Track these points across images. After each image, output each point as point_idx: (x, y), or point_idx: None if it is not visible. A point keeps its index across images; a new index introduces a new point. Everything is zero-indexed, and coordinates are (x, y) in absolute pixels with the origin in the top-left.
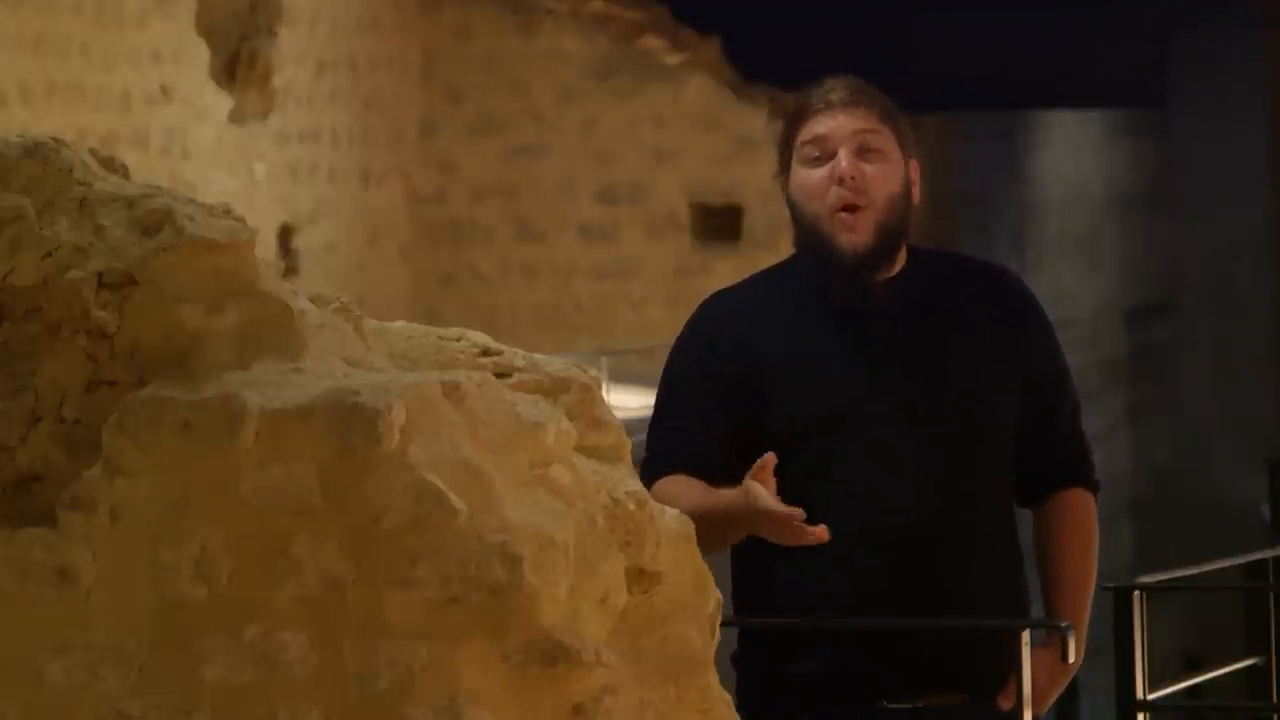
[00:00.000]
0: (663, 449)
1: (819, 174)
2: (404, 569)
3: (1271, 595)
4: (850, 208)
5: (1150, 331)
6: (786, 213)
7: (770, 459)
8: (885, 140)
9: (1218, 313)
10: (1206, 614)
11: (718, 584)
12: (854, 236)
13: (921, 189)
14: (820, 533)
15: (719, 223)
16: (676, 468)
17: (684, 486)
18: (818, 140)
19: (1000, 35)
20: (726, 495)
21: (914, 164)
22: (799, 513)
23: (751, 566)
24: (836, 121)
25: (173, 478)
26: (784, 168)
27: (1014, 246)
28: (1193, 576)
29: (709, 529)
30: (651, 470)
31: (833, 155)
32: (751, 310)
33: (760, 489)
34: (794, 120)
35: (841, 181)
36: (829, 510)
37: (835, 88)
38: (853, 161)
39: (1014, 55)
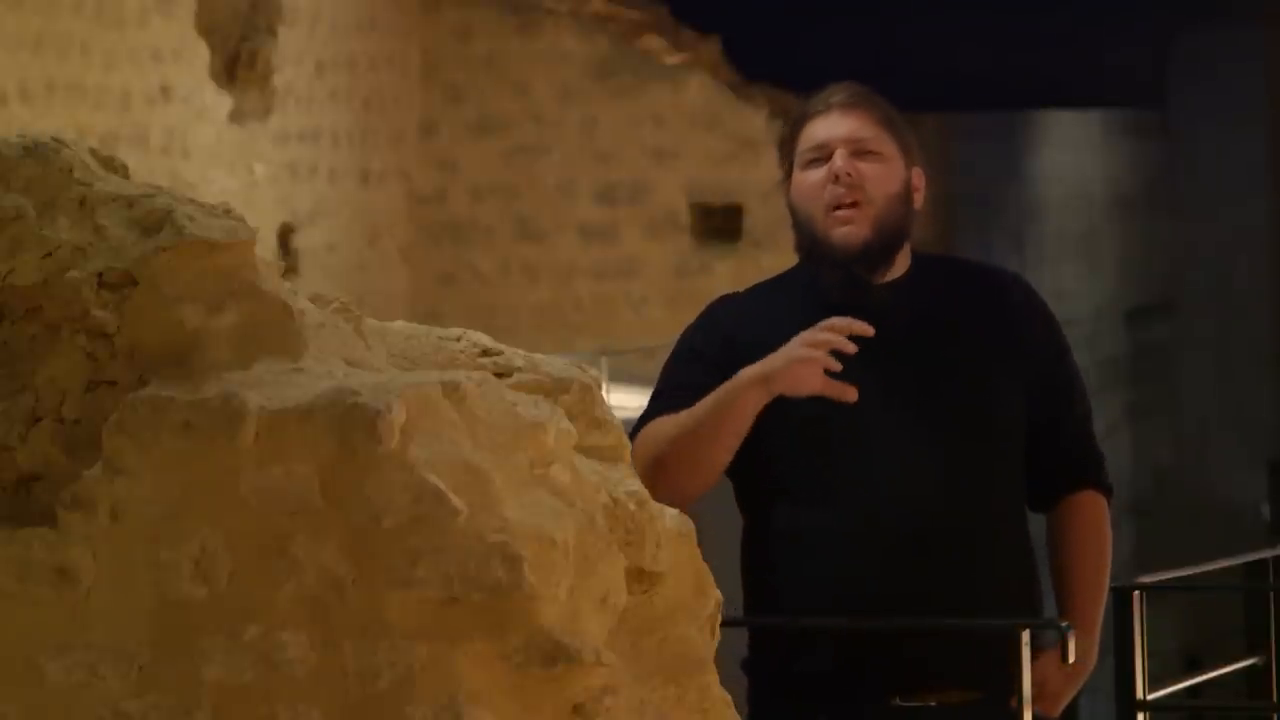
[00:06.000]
0: (653, 410)
1: (817, 175)
2: (404, 569)
3: (1271, 595)
4: (846, 204)
5: (1150, 331)
6: (788, 214)
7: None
8: (884, 144)
9: (1218, 313)
10: (1206, 614)
11: (719, 584)
12: (850, 230)
13: (924, 195)
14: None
15: (719, 223)
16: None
17: (668, 419)
18: (816, 144)
19: (1000, 36)
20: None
21: (917, 171)
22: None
23: (760, 565)
24: (834, 125)
25: (173, 478)
26: (786, 173)
27: (1014, 246)
28: (1193, 576)
29: (709, 421)
30: (639, 428)
31: (830, 157)
32: (755, 313)
33: None
34: (795, 126)
35: (837, 179)
36: (830, 510)
37: (835, 92)
38: (849, 160)
39: (1014, 55)
